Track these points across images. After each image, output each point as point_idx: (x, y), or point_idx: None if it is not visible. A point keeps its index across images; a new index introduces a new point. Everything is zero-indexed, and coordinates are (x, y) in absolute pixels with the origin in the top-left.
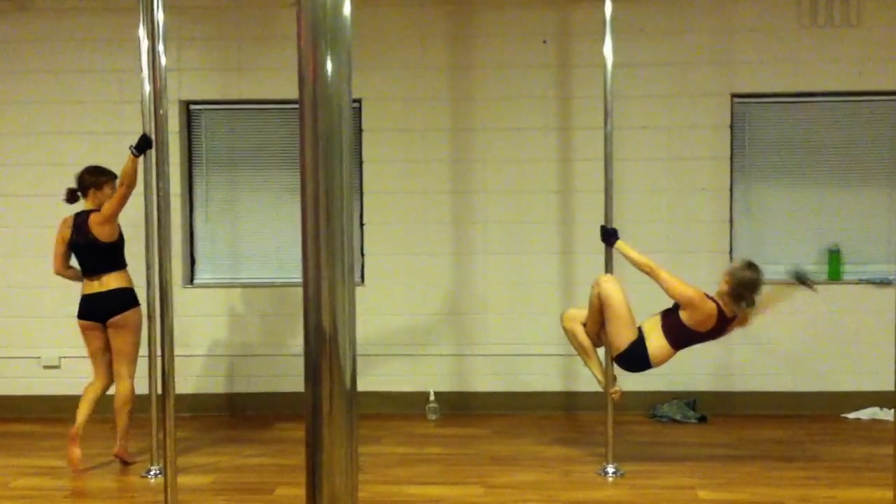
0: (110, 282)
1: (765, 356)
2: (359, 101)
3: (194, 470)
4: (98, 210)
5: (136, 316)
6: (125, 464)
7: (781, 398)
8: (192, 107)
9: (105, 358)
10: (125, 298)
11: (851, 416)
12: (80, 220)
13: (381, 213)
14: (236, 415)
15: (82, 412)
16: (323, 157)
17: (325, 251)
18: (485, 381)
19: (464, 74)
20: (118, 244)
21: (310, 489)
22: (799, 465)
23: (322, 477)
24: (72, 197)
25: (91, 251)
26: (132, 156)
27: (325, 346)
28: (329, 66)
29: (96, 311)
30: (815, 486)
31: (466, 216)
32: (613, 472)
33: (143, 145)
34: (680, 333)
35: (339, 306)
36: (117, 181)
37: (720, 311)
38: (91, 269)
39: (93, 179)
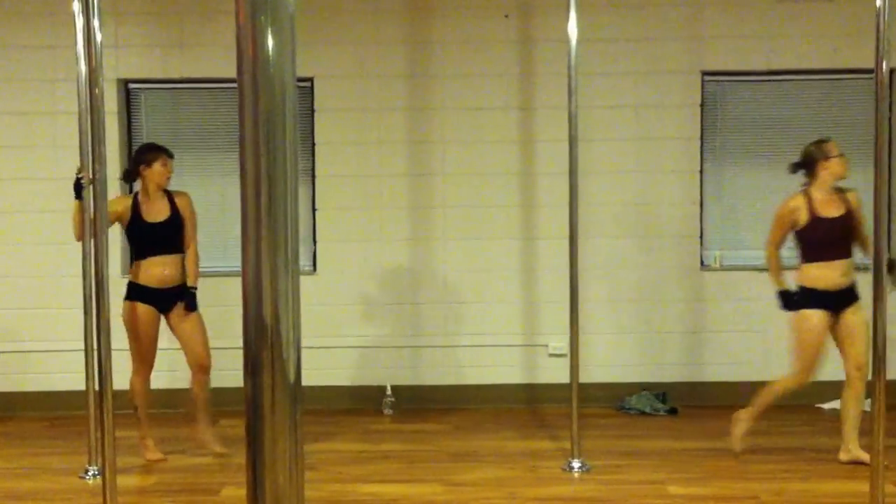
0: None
1: (737, 345)
2: (310, 79)
3: (135, 470)
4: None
5: None
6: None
7: (754, 388)
8: (131, 85)
9: None
10: None
11: (827, 406)
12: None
13: (335, 198)
14: (178, 412)
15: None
16: (264, 138)
17: (266, 237)
18: (444, 373)
19: (421, 50)
20: None
21: (251, 489)
22: (773, 458)
23: (264, 475)
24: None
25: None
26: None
27: (265, 337)
28: (270, 41)
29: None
30: (789, 479)
31: (425, 200)
32: (579, 468)
33: (79, 189)
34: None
35: (282, 295)
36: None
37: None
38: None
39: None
